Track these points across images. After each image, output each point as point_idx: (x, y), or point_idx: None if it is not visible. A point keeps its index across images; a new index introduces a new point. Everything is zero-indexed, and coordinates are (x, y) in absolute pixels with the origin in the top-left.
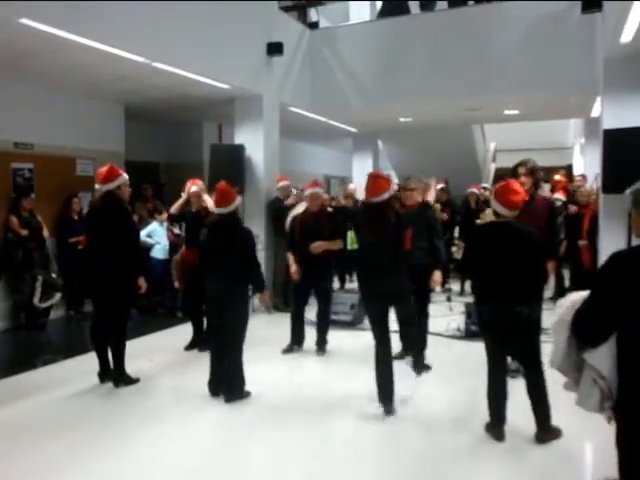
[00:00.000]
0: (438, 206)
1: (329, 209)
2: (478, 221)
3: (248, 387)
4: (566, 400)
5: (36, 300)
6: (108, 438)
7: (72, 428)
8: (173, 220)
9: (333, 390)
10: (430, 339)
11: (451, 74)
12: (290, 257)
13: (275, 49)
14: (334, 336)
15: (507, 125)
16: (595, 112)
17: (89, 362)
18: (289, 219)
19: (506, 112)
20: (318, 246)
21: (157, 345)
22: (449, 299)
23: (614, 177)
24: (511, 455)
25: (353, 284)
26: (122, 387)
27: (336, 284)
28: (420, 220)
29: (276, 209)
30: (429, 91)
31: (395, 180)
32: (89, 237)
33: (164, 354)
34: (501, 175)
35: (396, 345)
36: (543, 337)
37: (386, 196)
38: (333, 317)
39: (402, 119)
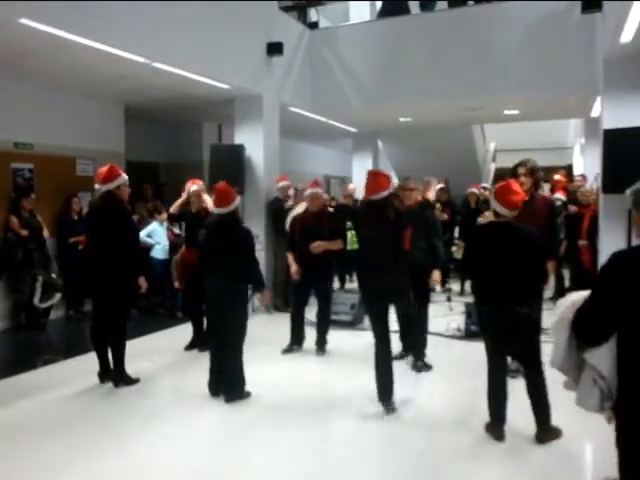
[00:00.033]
0: (439, 206)
1: (330, 209)
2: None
3: (248, 387)
4: (566, 400)
5: (36, 300)
6: (108, 438)
7: (72, 428)
8: (173, 220)
9: (333, 390)
10: (430, 339)
11: (451, 74)
12: (290, 257)
13: (275, 49)
14: (334, 336)
15: (507, 125)
16: (595, 112)
17: (89, 362)
18: (289, 219)
19: (506, 112)
20: (318, 246)
21: (157, 345)
22: (449, 299)
23: (614, 177)
24: (511, 455)
25: (353, 284)
26: (122, 387)
27: (336, 284)
28: (419, 220)
29: (276, 209)
30: (429, 91)
31: (395, 180)
32: (89, 237)
33: (164, 354)
34: (501, 175)
35: (396, 345)
36: (543, 337)
37: (386, 193)
38: (333, 317)
39: (402, 119)
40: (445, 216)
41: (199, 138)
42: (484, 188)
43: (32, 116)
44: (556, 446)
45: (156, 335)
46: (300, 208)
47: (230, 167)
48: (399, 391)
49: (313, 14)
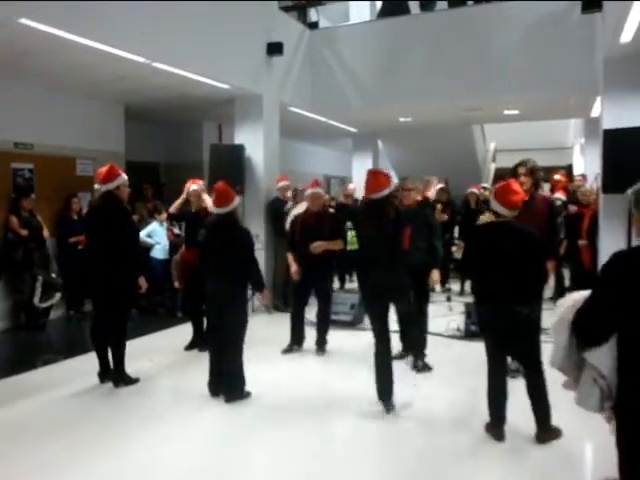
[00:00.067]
0: (439, 207)
1: (331, 209)
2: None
3: (248, 387)
4: (566, 400)
5: (36, 300)
6: (108, 438)
7: (72, 428)
8: (172, 219)
9: (333, 390)
10: (430, 339)
11: (451, 74)
12: (290, 257)
13: (275, 49)
14: (334, 336)
15: (507, 125)
16: (595, 112)
17: (89, 362)
18: (289, 219)
19: (506, 112)
20: (318, 246)
21: (157, 345)
22: (449, 299)
23: (614, 177)
24: (511, 455)
25: (353, 284)
26: (122, 387)
27: (336, 284)
28: (419, 219)
29: (276, 209)
30: (429, 91)
31: (395, 180)
32: (89, 237)
33: (164, 354)
34: (501, 175)
35: (396, 345)
36: (543, 337)
37: (386, 192)
38: (333, 317)
39: (402, 119)
40: (445, 217)
41: (199, 138)
42: (484, 188)
43: (32, 116)
44: (556, 446)
45: (156, 335)
46: (301, 208)
47: (230, 167)
48: (399, 391)
49: (313, 14)
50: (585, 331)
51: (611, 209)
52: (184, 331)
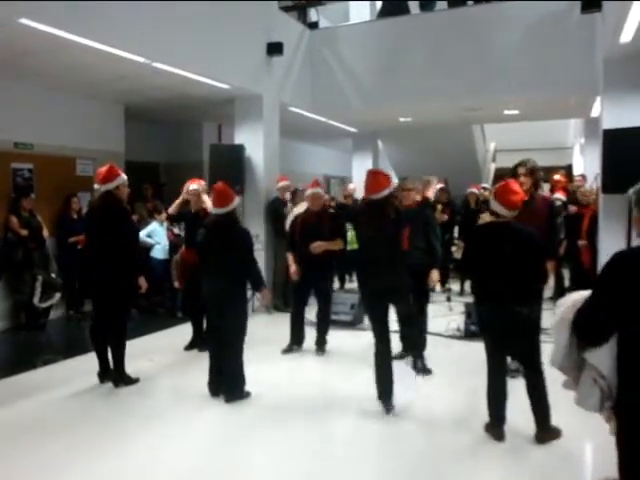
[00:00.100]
0: (440, 208)
1: (331, 210)
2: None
3: (248, 387)
4: (566, 400)
5: (36, 300)
6: (108, 438)
7: (72, 428)
8: (171, 220)
9: (333, 390)
10: (430, 339)
11: (451, 74)
12: (290, 257)
13: (275, 49)
14: (334, 336)
15: (507, 125)
16: (595, 112)
17: (89, 362)
18: (289, 219)
19: (506, 112)
20: (318, 246)
21: (157, 345)
22: (449, 299)
23: (614, 177)
24: (511, 455)
25: (353, 284)
26: (122, 387)
27: (336, 284)
28: (418, 219)
29: (276, 209)
30: (429, 91)
31: (395, 180)
32: (88, 237)
33: (164, 354)
34: (501, 175)
35: (396, 345)
36: (543, 337)
37: (386, 192)
38: (333, 317)
39: (402, 119)
40: (445, 217)
41: (199, 138)
42: (484, 188)
43: (32, 116)
44: (556, 446)
45: (156, 335)
46: (301, 208)
47: (230, 167)
48: (399, 391)
49: (313, 14)
50: (585, 331)
51: (611, 209)
52: (184, 331)
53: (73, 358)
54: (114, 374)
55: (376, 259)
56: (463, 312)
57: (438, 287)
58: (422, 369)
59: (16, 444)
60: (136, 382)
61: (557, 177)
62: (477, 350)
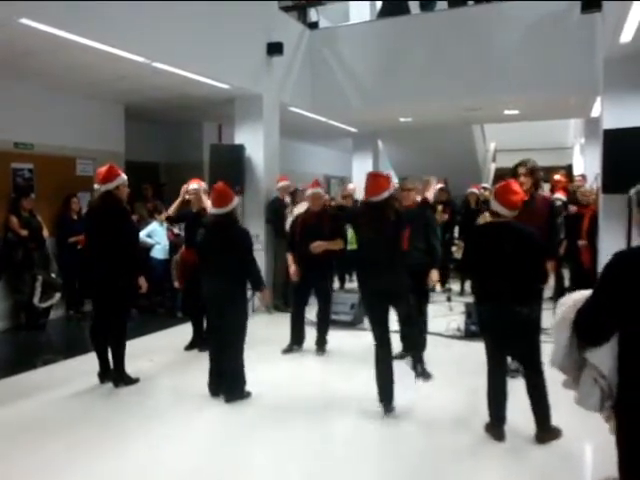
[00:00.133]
0: (440, 208)
1: (331, 209)
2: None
3: (248, 387)
4: (566, 400)
5: (36, 300)
6: (108, 438)
7: (72, 428)
8: (171, 222)
9: (333, 390)
10: (430, 339)
11: (451, 74)
12: (290, 258)
13: (275, 49)
14: (334, 336)
15: (507, 125)
16: (595, 112)
17: (89, 362)
18: (290, 219)
19: (506, 112)
20: (318, 246)
21: (157, 345)
22: (449, 299)
23: (614, 177)
24: (511, 455)
25: (353, 284)
26: (122, 387)
27: (336, 284)
28: (418, 220)
29: (276, 209)
30: (429, 91)
31: (395, 180)
32: (88, 237)
33: (164, 354)
34: (501, 175)
35: (396, 345)
36: (543, 337)
37: (386, 195)
38: (333, 317)
39: (402, 119)
40: (446, 216)
41: (199, 138)
42: (484, 188)
43: (32, 116)
44: (556, 446)
45: (156, 335)
46: (301, 208)
47: (230, 167)
48: (399, 391)
49: (313, 14)
50: (586, 331)
51: (611, 209)
52: (184, 331)
53: (73, 358)
54: (114, 374)
55: (376, 261)
56: (463, 312)
57: (438, 287)
58: (422, 373)
59: (16, 444)
60: (136, 382)
61: (557, 177)
62: (477, 350)
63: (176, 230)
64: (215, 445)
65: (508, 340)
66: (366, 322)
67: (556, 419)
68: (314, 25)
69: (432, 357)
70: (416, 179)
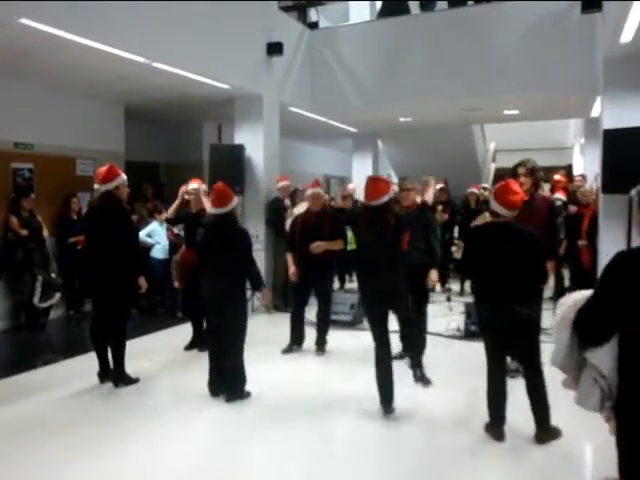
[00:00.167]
0: (440, 208)
1: (331, 210)
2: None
3: (248, 387)
4: (566, 400)
5: (36, 300)
6: (108, 438)
7: (72, 428)
8: (170, 223)
9: (333, 390)
10: (430, 339)
11: (451, 74)
12: (289, 258)
13: (275, 49)
14: (334, 336)
15: (507, 125)
16: (595, 112)
17: (89, 362)
18: (290, 220)
19: (506, 112)
20: (318, 246)
21: (157, 345)
22: (449, 299)
23: (614, 177)
24: (511, 455)
25: (353, 284)
26: (122, 387)
27: (336, 284)
28: (418, 221)
29: (276, 209)
30: (429, 91)
31: (395, 180)
32: (88, 237)
33: (164, 354)
34: (501, 175)
35: (396, 345)
36: (543, 337)
37: (385, 199)
38: (333, 317)
39: (402, 119)
40: (446, 216)
41: (199, 138)
42: (484, 188)
43: (32, 116)
44: (556, 446)
45: (156, 335)
46: (301, 208)
47: (230, 167)
48: (399, 391)
49: (313, 14)
50: (586, 331)
51: (611, 209)
52: (184, 331)
53: (73, 358)
54: (114, 374)
55: (376, 265)
56: (463, 312)
57: (438, 287)
58: (421, 378)
59: (16, 444)
60: (136, 382)
61: (557, 177)
62: (477, 350)
63: (176, 230)
64: (215, 445)
65: (508, 340)
66: (366, 322)
67: (556, 419)
68: (314, 25)
69: (432, 357)
70: (415, 179)
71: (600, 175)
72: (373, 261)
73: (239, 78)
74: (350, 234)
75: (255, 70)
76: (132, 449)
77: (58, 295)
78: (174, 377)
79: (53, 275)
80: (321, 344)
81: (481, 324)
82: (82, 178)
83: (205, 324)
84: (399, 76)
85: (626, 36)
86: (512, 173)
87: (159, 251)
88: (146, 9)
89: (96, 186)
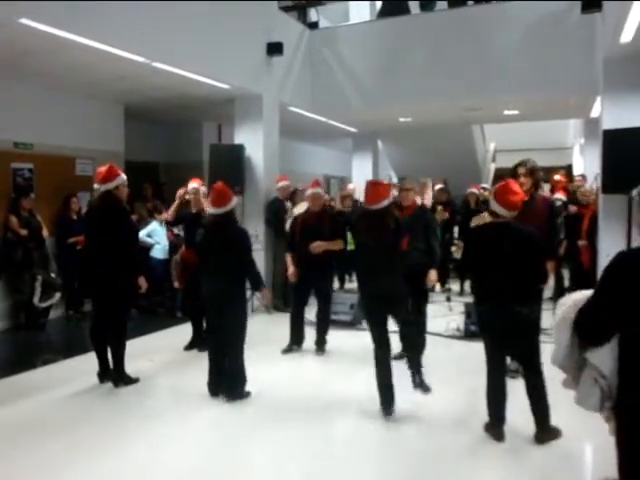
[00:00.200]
0: (440, 208)
1: (330, 210)
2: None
3: (248, 387)
4: (566, 400)
5: (36, 300)
6: (108, 438)
7: (72, 428)
8: (170, 225)
9: (333, 390)
10: (430, 339)
11: (451, 74)
12: (289, 258)
13: (275, 49)
14: (334, 336)
15: (507, 125)
16: (595, 112)
17: (89, 362)
18: (289, 220)
19: (506, 112)
20: (318, 246)
21: (157, 345)
22: (449, 299)
23: (614, 177)
24: (511, 455)
25: (353, 284)
26: (122, 387)
27: (336, 284)
28: (418, 223)
29: (276, 209)
30: (429, 91)
31: (395, 180)
32: (88, 237)
33: (164, 354)
34: (501, 175)
35: (396, 345)
36: (543, 337)
37: (385, 203)
38: (333, 317)
39: (402, 119)
40: (446, 215)
41: (199, 138)
42: (484, 188)
43: (32, 116)
44: (555, 446)
45: (156, 335)
46: (301, 208)
47: (230, 167)
48: (399, 391)
49: (313, 14)
50: (587, 331)
51: (611, 209)
52: (184, 331)
53: (73, 358)
54: (114, 374)
55: (376, 268)
56: (463, 312)
57: (438, 287)
58: (420, 384)
59: (16, 444)
60: (136, 382)
61: (557, 177)
62: (477, 350)
63: (176, 230)
64: (215, 445)
65: (508, 340)
66: (365, 322)
67: (556, 419)
68: (314, 25)
69: (431, 357)
70: (414, 179)
71: (600, 175)
72: (373, 265)
73: (239, 78)
74: (350, 234)
75: (255, 70)
76: (132, 449)
77: (58, 295)
78: (174, 377)
79: (53, 275)
80: (321, 344)
81: (481, 324)
82: (82, 178)
83: (205, 324)
84: (399, 76)
85: (626, 36)
86: (512, 173)
87: (159, 251)
88: (146, 9)
89: (96, 186)
